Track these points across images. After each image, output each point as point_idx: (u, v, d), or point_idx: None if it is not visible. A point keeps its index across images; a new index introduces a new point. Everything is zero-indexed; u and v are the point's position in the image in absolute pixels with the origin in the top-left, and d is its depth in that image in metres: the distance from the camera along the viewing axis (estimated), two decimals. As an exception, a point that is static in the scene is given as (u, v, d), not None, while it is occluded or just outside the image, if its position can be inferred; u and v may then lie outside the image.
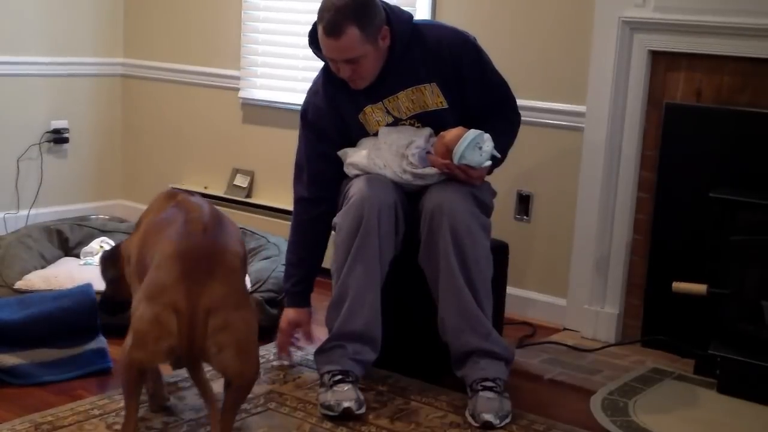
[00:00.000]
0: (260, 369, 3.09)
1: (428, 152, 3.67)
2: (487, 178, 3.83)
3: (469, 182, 3.66)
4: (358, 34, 3.56)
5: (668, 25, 4.18)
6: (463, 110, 3.79)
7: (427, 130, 3.76)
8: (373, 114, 3.80)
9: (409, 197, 3.75)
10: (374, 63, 3.68)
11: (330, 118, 3.85)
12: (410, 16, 3.80)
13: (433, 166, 3.66)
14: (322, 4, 3.60)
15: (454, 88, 3.76)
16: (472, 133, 3.58)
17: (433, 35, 3.78)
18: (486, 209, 3.76)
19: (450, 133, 3.62)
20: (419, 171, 3.69)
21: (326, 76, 3.83)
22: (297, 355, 4.00)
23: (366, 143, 3.81)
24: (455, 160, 3.58)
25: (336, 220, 3.75)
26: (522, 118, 3.94)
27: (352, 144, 3.86)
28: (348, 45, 3.57)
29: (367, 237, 3.59)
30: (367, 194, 3.63)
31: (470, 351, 3.61)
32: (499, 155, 3.67)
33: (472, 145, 3.56)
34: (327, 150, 3.87)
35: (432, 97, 3.76)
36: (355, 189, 3.67)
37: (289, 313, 3.96)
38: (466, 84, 3.77)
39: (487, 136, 3.61)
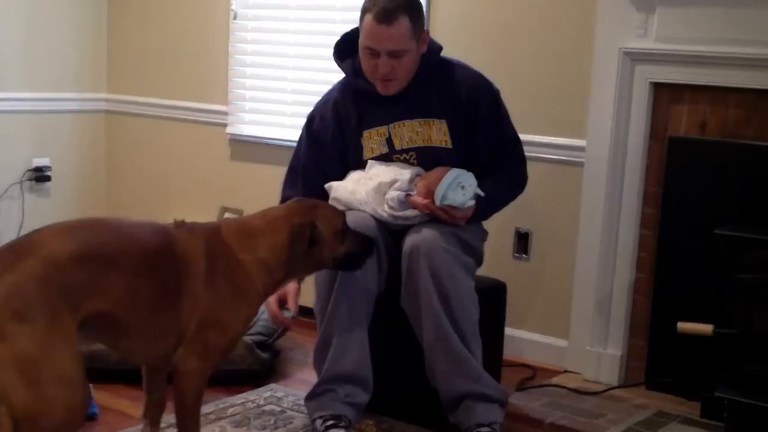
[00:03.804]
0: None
1: (408, 194, 3.62)
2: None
3: (453, 223, 3.61)
4: (409, 25, 3.61)
5: (671, 56, 4.12)
6: (468, 156, 3.76)
7: (414, 171, 3.70)
8: (370, 140, 3.77)
9: (394, 234, 3.69)
10: (411, 65, 3.70)
11: (333, 132, 3.82)
12: (440, 48, 3.83)
13: (414, 208, 3.61)
14: None
15: (462, 131, 3.74)
16: (454, 172, 3.56)
17: (457, 73, 3.81)
18: (471, 249, 3.69)
19: (431, 174, 3.61)
20: (398, 213, 3.64)
21: (342, 90, 3.85)
22: (289, 315, 3.77)
23: (352, 177, 3.78)
24: (437, 201, 3.55)
25: None
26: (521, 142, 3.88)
27: (347, 165, 3.83)
28: (398, 34, 3.60)
29: (347, 277, 3.52)
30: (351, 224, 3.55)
31: (462, 395, 3.54)
32: (482, 193, 3.62)
33: (454, 184, 3.54)
34: (324, 162, 3.85)
35: (438, 134, 3.73)
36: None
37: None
38: (476, 129, 3.76)
39: (470, 174, 3.59)
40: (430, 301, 3.50)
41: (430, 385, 3.60)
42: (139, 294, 2.84)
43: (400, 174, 3.67)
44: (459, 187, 3.54)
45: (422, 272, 3.50)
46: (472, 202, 3.58)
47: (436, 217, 3.60)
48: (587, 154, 4.37)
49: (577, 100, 4.42)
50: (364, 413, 3.69)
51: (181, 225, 3.04)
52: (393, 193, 3.62)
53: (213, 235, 3.04)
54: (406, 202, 3.62)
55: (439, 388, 3.58)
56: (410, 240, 3.57)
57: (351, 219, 3.54)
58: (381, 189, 3.65)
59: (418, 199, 3.59)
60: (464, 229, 3.66)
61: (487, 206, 3.72)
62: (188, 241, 2.98)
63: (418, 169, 3.70)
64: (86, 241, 2.79)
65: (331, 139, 3.82)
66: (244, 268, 3.03)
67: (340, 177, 3.81)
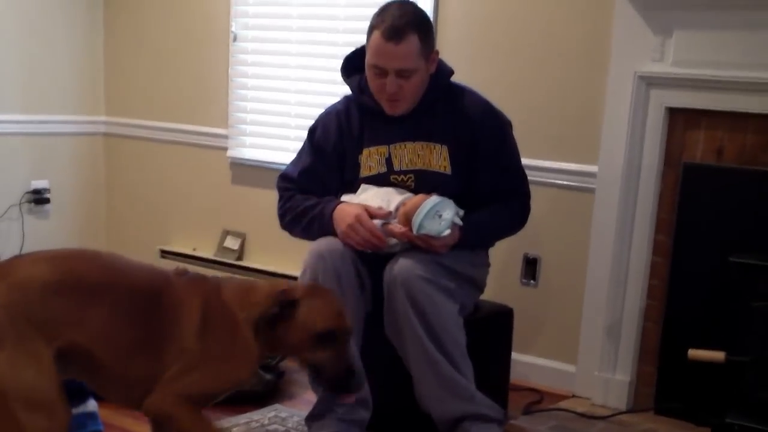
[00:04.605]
0: None
1: (386, 223, 3.57)
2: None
3: (432, 251, 3.55)
4: (418, 44, 3.55)
5: (687, 81, 4.07)
6: (467, 184, 3.71)
7: (403, 197, 3.64)
8: (369, 158, 3.73)
9: (380, 258, 3.63)
10: (419, 85, 3.65)
11: (334, 144, 3.79)
12: (451, 72, 3.79)
13: (393, 237, 3.57)
14: (380, 11, 3.61)
15: (463, 159, 3.70)
16: (432, 201, 3.52)
17: (465, 100, 3.76)
18: (455, 275, 3.61)
19: (410, 202, 3.56)
20: None
21: (346, 103, 3.82)
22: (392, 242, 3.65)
23: (342, 199, 3.73)
24: (414, 231, 3.51)
25: None
26: (530, 178, 3.84)
27: (344, 178, 3.79)
28: (406, 52, 3.54)
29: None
30: (320, 256, 3.55)
31: (458, 418, 3.51)
32: (460, 223, 3.57)
33: (431, 213, 3.49)
34: (324, 172, 3.81)
35: (438, 159, 3.69)
36: (309, 252, 3.60)
37: (342, 210, 3.64)
38: (477, 158, 3.70)
39: (449, 202, 3.55)
40: (413, 330, 3.47)
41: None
42: (118, 332, 2.77)
43: (387, 201, 3.64)
44: (437, 216, 3.50)
45: (401, 302, 3.47)
46: (447, 231, 3.52)
47: (416, 245, 3.56)
48: (599, 179, 4.33)
49: (589, 125, 4.37)
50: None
51: (182, 273, 2.95)
52: (374, 221, 3.59)
53: (213, 290, 2.92)
54: (385, 231, 3.58)
55: (432, 414, 3.54)
56: (388, 271, 3.54)
57: (324, 241, 3.57)
58: None
59: (396, 227, 3.55)
60: (446, 255, 3.59)
61: (475, 235, 3.66)
62: (186, 290, 2.88)
63: (407, 196, 3.66)
64: (66, 269, 2.75)
65: (332, 150, 3.78)
66: (242, 329, 2.87)
67: (337, 188, 3.78)
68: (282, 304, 2.86)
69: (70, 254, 2.89)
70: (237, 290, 2.94)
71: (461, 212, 3.59)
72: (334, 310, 2.92)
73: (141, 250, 5.91)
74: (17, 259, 2.78)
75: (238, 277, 3.31)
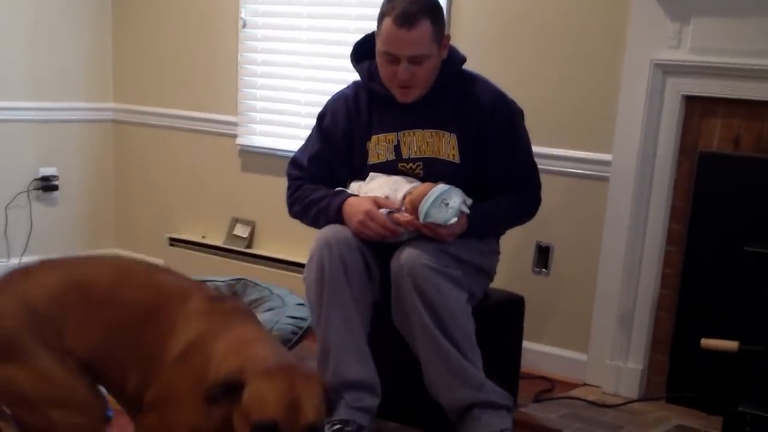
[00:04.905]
0: None
1: (391, 212, 3.56)
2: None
3: (438, 240, 3.54)
4: (431, 29, 3.53)
5: (704, 69, 4.04)
6: (477, 174, 3.69)
7: (411, 186, 3.63)
8: (377, 145, 3.72)
9: (388, 247, 3.62)
10: (431, 71, 3.62)
11: (343, 130, 3.77)
12: (463, 59, 3.76)
13: (399, 225, 3.56)
14: None
15: (471, 148, 3.68)
16: (439, 189, 3.51)
17: (476, 88, 3.72)
18: (462, 263, 3.60)
19: (417, 190, 3.56)
20: None
21: (355, 89, 3.80)
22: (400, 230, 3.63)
23: (351, 187, 3.74)
24: (420, 219, 3.50)
25: (303, 275, 3.64)
26: (544, 167, 3.82)
27: (353, 165, 3.78)
28: (419, 38, 3.51)
29: (334, 286, 3.50)
30: (326, 244, 3.54)
31: (467, 406, 3.50)
32: (467, 211, 3.56)
33: (438, 201, 3.49)
34: (332, 159, 3.80)
35: (447, 147, 3.67)
36: (316, 240, 3.59)
37: (352, 204, 3.63)
38: (486, 146, 3.68)
39: (456, 191, 3.54)
40: (421, 319, 3.46)
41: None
42: (115, 346, 2.73)
43: (395, 190, 3.63)
44: (443, 204, 3.49)
45: (408, 291, 3.46)
46: (454, 219, 3.51)
47: (423, 234, 3.55)
48: (613, 168, 4.31)
49: (604, 113, 4.35)
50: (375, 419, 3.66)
51: (215, 299, 2.79)
52: (380, 211, 3.58)
53: (213, 332, 2.64)
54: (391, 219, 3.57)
55: (442, 402, 3.54)
56: (394, 260, 3.53)
57: (330, 230, 3.56)
58: None
59: (402, 216, 3.54)
60: (453, 244, 3.58)
61: (482, 224, 3.65)
62: (187, 317, 2.69)
63: (416, 184, 3.65)
64: (76, 280, 2.74)
65: (341, 136, 3.77)
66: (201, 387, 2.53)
67: (347, 175, 3.77)
68: (226, 386, 2.42)
69: (83, 263, 2.87)
70: (232, 346, 2.60)
71: (469, 201, 3.58)
72: (284, 399, 2.38)
73: (150, 239, 5.95)
74: (31, 268, 2.78)
75: (266, 333, 2.81)
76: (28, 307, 2.64)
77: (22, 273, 2.75)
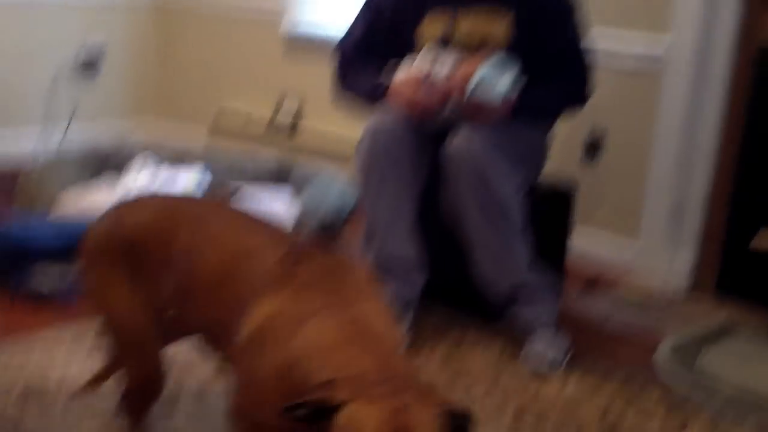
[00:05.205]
0: None
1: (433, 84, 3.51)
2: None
3: (479, 122, 3.48)
4: None
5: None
6: (527, 57, 3.58)
7: (456, 60, 3.53)
8: (430, 26, 3.64)
9: (437, 135, 3.58)
10: None
11: (392, 13, 3.70)
12: None
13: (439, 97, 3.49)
14: None
15: (526, 28, 3.60)
16: (488, 64, 3.44)
17: None
18: (515, 153, 3.54)
19: (466, 63, 3.48)
20: None
21: None
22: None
23: (399, 69, 3.64)
24: (466, 94, 3.44)
25: (355, 160, 3.62)
26: (592, 54, 3.72)
27: (401, 46, 3.69)
28: None
29: (384, 167, 3.48)
30: (377, 126, 3.50)
31: (513, 295, 3.54)
32: (515, 94, 3.49)
33: (489, 78, 3.42)
34: (380, 38, 3.74)
35: (499, 30, 3.58)
36: (367, 123, 3.55)
37: (399, 83, 3.58)
38: (537, 27, 3.59)
39: (507, 68, 3.46)
40: (471, 205, 3.44)
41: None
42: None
43: (442, 63, 3.52)
44: (492, 82, 3.42)
45: (459, 179, 3.44)
46: (502, 97, 3.45)
47: (464, 112, 3.49)
48: (668, 55, 4.22)
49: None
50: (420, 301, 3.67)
51: (299, 257, 2.31)
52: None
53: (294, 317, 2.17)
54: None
55: (487, 290, 3.55)
56: (452, 144, 3.47)
57: (381, 113, 3.53)
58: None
59: (445, 88, 3.47)
60: (505, 132, 3.53)
61: (529, 110, 3.58)
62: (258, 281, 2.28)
63: (463, 57, 3.54)
64: (166, 218, 2.58)
65: (390, 16, 3.70)
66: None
67: (393, 55, 3.67)
68: (315, 410, 1.90)
69: (178, 205, 2.68)
70: (317, 340, 2.09)
71: (520, 80, 3.51)
72: (389, 426, 1.86)
73: (194, 107, 5.98)
74: (126, 204, 2.69)
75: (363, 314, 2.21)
76: (124, 236, 2.54)
77: (120, 210, 2.66)
